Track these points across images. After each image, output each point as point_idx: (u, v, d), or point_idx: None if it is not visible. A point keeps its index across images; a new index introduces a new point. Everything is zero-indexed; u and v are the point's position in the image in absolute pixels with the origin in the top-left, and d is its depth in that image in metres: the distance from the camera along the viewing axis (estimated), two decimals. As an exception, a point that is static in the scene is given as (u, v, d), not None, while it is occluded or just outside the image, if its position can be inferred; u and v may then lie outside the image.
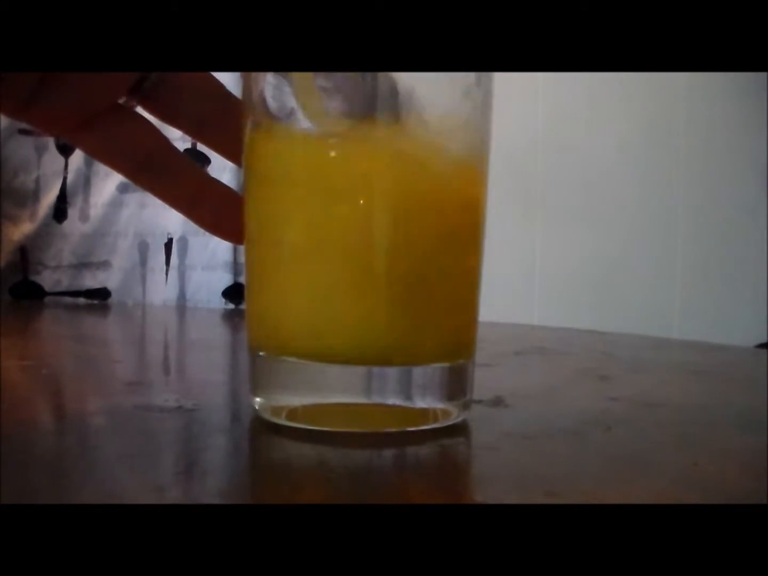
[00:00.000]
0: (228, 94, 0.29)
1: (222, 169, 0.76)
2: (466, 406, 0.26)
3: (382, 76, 0.24)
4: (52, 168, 0.81)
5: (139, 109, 0.28)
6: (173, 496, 0.19)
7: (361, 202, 0.24)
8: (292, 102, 0.25)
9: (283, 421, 0.25)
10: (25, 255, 0.81)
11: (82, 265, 0.81)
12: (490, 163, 0.27)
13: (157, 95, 0.28)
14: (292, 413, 0.25)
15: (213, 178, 0.30)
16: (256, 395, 0.26)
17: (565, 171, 1.08)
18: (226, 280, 0.81)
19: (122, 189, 0.80)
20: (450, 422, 0.25)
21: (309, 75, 0.24)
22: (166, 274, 0.81)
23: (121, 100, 0.27)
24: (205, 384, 0.35)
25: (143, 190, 0.29)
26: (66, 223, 0.81)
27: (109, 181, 0.80)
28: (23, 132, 0.80)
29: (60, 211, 0.81)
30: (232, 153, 0.28)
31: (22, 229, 0.81)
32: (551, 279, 1.09)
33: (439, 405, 0.25)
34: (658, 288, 1.08)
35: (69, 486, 0.20)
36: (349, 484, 0.20)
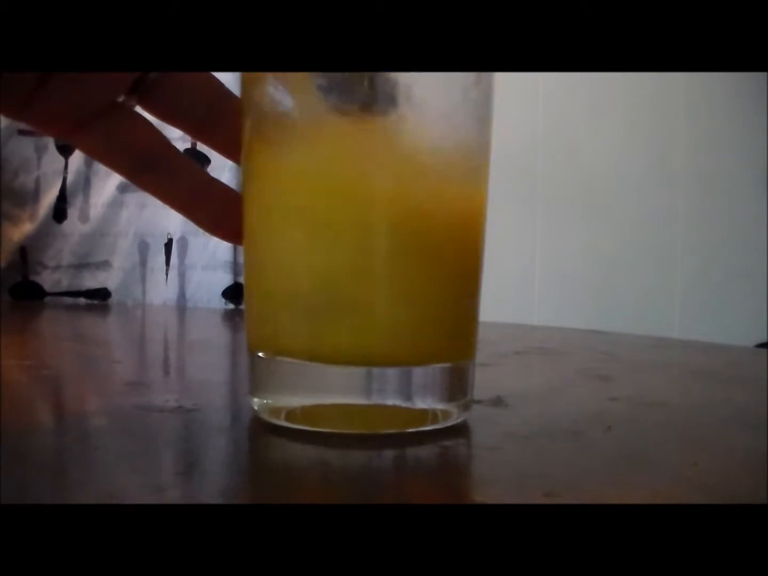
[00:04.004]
0: (228, 93, 0.29)
1: (222, 169, 0.76)
2: (466, 407, 0.26)
3: (381, 75, 0.24)
4: (52, 168, 0.81)
5: (139, 109, 0.28)
6: (173, 496, 0.19)
7: (360, 202, 0.24)
8: (290, 101, 0.25)
9: (282, 422, 0.25)
10: (25, 255, 0.81)
11: (82, 265, 0.81)
12: (491, 163, 0.27)
13: (157, 94, 0.28)
14: (291, 414, 0.25)
15: (213, 178, 0.30)
16: (255, 396, 0.26)
17: (565, 171, 1.08)
18: (226, 280, 0.81)
19: (122, 189, 0.80)
20: (450, 423, 0.25)
21: (307, 74, 0.24)
22: (166, 274, 0.81)
23: (120, 99, 0.27)
24: (205, 384, 0.35)
25: (143, 191, 0.29)
26: (66, 223, 0.81)
27: (109, 181, 0.80)
28: (23, 132, 0.80)
29: (60, 211, 0.81)
30: (232, 152, 0.28)
31: (22, 229, 0.81)
32: (551, 279, 1.09)
33: (440, 406, 0.25)
34: (658, 288, 1.08)
35: (69, 486, 0.20)
36: (349, 484, 0.20)
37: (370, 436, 0.24)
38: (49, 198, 0.81)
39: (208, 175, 0.30)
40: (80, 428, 0.26)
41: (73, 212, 0.81)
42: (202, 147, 0.79)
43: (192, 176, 0.29)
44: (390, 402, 0.24)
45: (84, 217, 0.81)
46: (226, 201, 0.29)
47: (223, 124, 0.28)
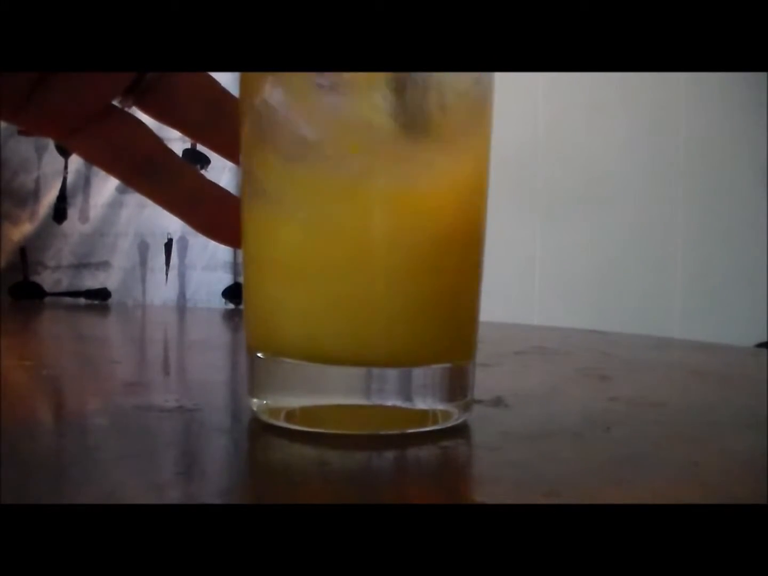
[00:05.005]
0: (225, 93, 0.29)
1: (222, 169, 0.76)
2: (466, 407, 0.26)
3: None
4: (52, 168, 0.81)
5: (136, 110, 0.28)
6: (173, 496, 0.19)
7: (360, 201, 0.24)
8: (289, 102, 0.25)
9: (281, 423, 0.25)
10: (25, 255, 0.81)
11: (82, 265, 0.81)
12: (491, 163, 0.27)
13: (154, 96, 0.28)
14: (291, 415, 0.25)
15: (210, 181, 0.30)
16: (255, 396, 0.26)
17: (565, 171, 1.08)
18: (225, 280, 0.81)
19: (122, 189, 0.80)
20: (450, 423, 0.25)
21: (307, 75, 0.24)
22: (166, 274, 0.81)
23: (117, 101, 0.27)
24: (205, 384, 0.35)
25: (140, 194, 0.29)
26: (66, 224, 0.81)
27: (109, 182, 0.80)
28: (23, 132, 0.80)
29: (60, 212, 0.81)
30: (231, 152, 0.28)
31: (22, 229, 0.81)
32: (551, 279, 1.09)
33: (440, 406, 0.25)
34: (658, 288, 1.08)
35: (69, 486, 0.20)
36: (349, 484, 0.20)
37: (370, 437, 0.24)
38: (49, 198, 0.81)
39: (205, 178, 0.30)
40: (80, 428, 0.26)
41: (73, 212, 0.81)
42: (201, 147, 0.79)
43: (189, 180, 0.29)
44: (390, 402, 0.24)
45: (84, 217, 0.81)
46: (223, 204, 0.29)
47: (221, 124, 0.28)
